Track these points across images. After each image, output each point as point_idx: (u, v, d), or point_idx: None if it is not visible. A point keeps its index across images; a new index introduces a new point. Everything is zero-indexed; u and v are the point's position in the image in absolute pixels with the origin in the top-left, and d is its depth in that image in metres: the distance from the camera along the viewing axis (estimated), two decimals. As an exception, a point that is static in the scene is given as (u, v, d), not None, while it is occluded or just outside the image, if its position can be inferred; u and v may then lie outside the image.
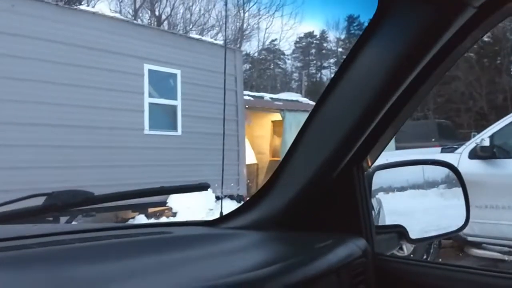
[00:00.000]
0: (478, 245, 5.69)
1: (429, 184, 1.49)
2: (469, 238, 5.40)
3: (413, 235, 1.19)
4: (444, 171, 1.49)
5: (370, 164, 1.08)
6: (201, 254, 0.92)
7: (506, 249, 5.53)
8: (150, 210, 7.95)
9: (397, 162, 1.23)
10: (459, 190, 1.34)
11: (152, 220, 7.38)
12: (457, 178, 1.27)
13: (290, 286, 0.74)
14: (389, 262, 1.05)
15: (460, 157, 5.55)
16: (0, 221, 0.92)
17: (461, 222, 1.27)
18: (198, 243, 0.99)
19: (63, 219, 4.71)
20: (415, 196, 1.45)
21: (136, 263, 0.85)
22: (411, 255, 5.07)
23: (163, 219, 7.53)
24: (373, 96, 0.88)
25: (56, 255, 0.85)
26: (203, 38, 10.94)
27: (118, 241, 0.96)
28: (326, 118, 0.98)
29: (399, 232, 1.18)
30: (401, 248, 4.73)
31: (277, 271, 0.76)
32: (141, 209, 7.80)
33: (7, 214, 0.98)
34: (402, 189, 1.44)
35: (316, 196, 1.06)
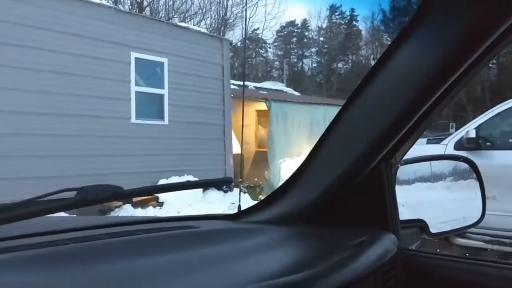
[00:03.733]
0: (461, 234, 5.81)
1: (436, 177, 1.51)
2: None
3: (432, 229, 1.21)
4: (450, 164, 1.52)
5: (397, 160, 1.09)
6: (235, 249, 0.92)
7: (487, 238, 5.66)
8: (135, 199, 7.89)
9: (419, 158, 1.25)
10: (465, 183, 1.38)
11: (139, 209, 7.34)
12: (475, 173, 1.29)
13: (341, 284, 0.75)
14: (414, 256, 1.07)
15: (445, 148, 5.64)
16: (30, 216, 0.90)
17: (476, 216, 1.30)
18: (228, 238, 0.99)
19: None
20: (422, 189, 1.47)
21: (175, 259, 0.85)
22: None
23: (150, 208, 7.50)
24: (412, 96, 0.87)
25: (91, 251, 0.85)
26: (191, 26, 10.83)
27: (150, 236, 0.96)
28: (360, 115, 0.98)
29: (421, 226, 1.20)
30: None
31: (326, 270, 0.76)
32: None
33: (37, 209, 0.96)
34: (409, 182, 1.47)
35: (343, 191, 1.06)
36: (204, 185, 1.16)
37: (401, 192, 1.34)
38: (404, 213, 1.29)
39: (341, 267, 0.78)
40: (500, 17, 0.76)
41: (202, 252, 0.90)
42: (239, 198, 3.87)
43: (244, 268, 0.83)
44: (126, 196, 1.05)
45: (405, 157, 1.20)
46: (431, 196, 1.38)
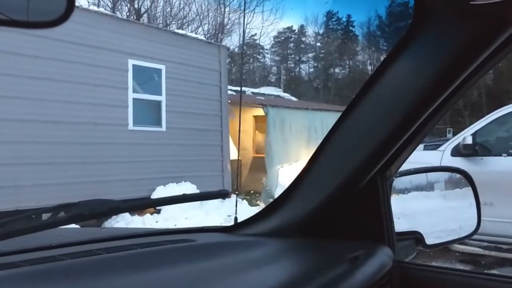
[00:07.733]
0: (459, 241, 5.80)
1: (432, 186, 1.51)
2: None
3: (428, 241, 1.22)
4: (446, 173, 1.53)
5: (392, 173, 1.10)
6: (231, 263, 0.92)
7: (485, 244, 5.66)
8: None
9: (414, 170, 1.26)
10: (461, 192, 1.39)
11: (137, 216, 7.33)
12: (470, 184, 1.30)
13: None
14: (410, 269, 1.07)
15: (442, 155, 5.65)
16: (27, 232, 0.90)
17: (471, 225, 1.31)
18: (225, 252, 0.99)
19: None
20: (418, 198, 1.48)
21: (171, 274, 0.85)
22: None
23: (148, 215, 7.48)
24: (407, 110, 0.88)
25: (87, 267, 0.85)
26: (188, 33, 10.86)
27: (146, 251, 0.96)
28: (355, 129, 0.98)
29: (416, 238, 1.20)
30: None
31: (322, 287, 0.76)
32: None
33: (34, 225, 0.97)
34: (405, 191, 1.47)
35: (339, 204, 1.07)
36: (201, 198, 1.17)
37: (397, 201, 1.35)
38: (400, 223, 1.30)
39: (337, 283, 0.78)
40: (494, 31, 0.77)
41: (199, 266, 0.90)
42: (236, 210, 3.83)
43: (241, 283, 0.84)
44: (123, 210, 1.05)
45: (400, 169, 1.21)
46: (427, 205, 1.39)
